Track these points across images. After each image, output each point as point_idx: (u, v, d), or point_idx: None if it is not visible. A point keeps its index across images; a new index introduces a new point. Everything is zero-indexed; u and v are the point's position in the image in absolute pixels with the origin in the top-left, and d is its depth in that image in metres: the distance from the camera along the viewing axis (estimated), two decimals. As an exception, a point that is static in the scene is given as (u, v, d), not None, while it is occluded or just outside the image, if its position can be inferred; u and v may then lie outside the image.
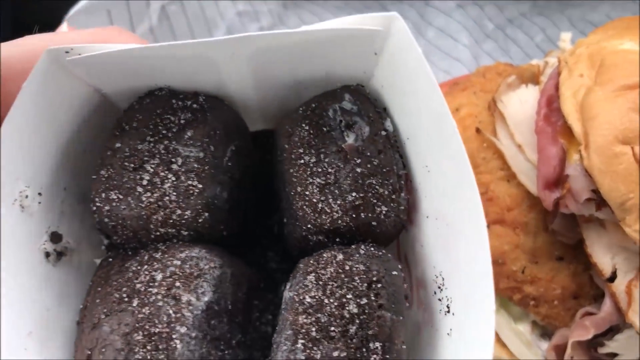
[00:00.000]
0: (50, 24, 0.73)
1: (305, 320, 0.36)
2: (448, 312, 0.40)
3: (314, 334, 0.36)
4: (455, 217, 0.39)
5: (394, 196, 0.41)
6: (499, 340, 0.62)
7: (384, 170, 0.41)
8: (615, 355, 0.58)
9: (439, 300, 0.41)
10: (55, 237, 0.43)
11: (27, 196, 0.40)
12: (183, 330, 0.37)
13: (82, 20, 0.72)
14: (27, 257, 0.40)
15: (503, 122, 0.64)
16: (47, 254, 0.42)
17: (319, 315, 0.36)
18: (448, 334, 0.39)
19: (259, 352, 0.43)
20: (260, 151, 0.49)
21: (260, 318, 0.44)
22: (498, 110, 0.64)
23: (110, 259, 0.42)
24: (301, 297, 0.37)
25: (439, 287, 0.42)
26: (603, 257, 0.57)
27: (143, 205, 0.40)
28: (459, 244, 0.39)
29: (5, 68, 0.39)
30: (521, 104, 0.64)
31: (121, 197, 0.40)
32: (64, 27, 0.57)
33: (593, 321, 0.57)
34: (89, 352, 0.38)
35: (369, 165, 0.41)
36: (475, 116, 0.66)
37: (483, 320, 0.35)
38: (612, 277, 0.57)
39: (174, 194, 0.40)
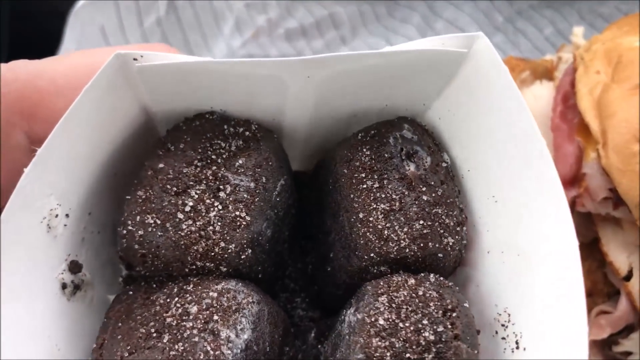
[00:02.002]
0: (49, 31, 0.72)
1: (379, 344, 0.33)
2: (517, 348, 0.36)
3: (388, 358, 0.33)
4: (536, 249, 0.35)
5: (458, 228, 0.39)
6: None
7: (448, 201, 0.39)
8: (629, 353, 0.58)
9: (503, 339, 0.38)
10: (74, 267, 0.38)
11: (56, 215, 0.35)
12: None
13: (89, 13, 0.70)
14: (45, 286, 0.35)
15: (518, 119, 0.63)
16: (64, 286, 0.37)
17: (393, 339, 0.33)
18: None
19: None
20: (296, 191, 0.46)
21: None
22: (512, 106, 0.64)
23: (130, 292, 0.37)
24: (373, 319, 0.34)
25: (503, 325, 0.38)
26: (619, 255, 0.57)
27: (183, 234, 0.35)
28: (533, 273, 0.35)
29: (49, 84, 0.37)
30: (535, 100, 0.64)
31: (159, 222, 0.36)
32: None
33: (609, 320, 0.57)
34: None
35: (434, 195, 0.38)
36: (489, 112, 0.65)
37: (568, 352, 0.32)
38: (628, 276, 0.57)
39: (219, 224, 0.36)
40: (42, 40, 0.70)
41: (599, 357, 0.58)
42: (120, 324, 0.35)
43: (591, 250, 0.61)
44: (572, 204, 0.57)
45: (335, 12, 0.86)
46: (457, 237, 0.38)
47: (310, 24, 0.85)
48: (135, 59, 0.35)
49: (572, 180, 0.57)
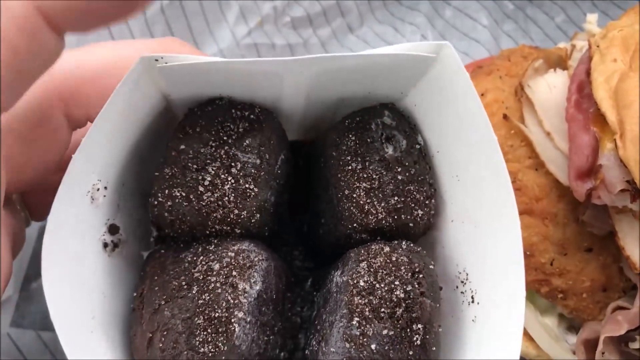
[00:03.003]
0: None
1: (359, 301, 0.41)
2: (472, 302, 0.45)
3: (367, 313, 0.41)
4: (485, 217, 0.44)
5: (427, 201, 0.47)
6: (525, 333, 0.60)
7: (419, 178, 0.47)
8: (645, 349, 0.57)
9: (462, 293, 0.46)
10: (112, 229, 0.46)
11: (98, 189, 0.44)
12: (240, 315, 0.41)
13: None
14: (90, 246, 0.44)
15: (531, 109, 0.62)
16: (105, 245, 0.46)
17: (371, 297, 0.41)
18: (473, 320, 0.44)
19: (290, 340, 0.47)
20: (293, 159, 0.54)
21: (291, 309, 0.48)
22: (526, 95, 0.62)
23: (162, 250, 0.46)
24: (355, 281, 0.42)
25: (462, 282, 0.47)
26: (636, 249, 0.56)
27: (204, 204, 0.44)
28: (487, 241, 0.44)
29: (84, 74, 0.43)
30: (550, 90, 0.62)
31: (184, 194, 0.44)
32: None
33: (626, 317, 0.55)
34: (151, 335, 0.42)
35: (407, 174, 0.47)
36: (502, 102, 0.63)
37: (512, 305, 0.40)
38: (646, 271, 0.56)
39: (233, 195, 0.44)
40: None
41: (615, 354, 0.56)
42: (156, 277, 0.44)
43: (606, 244, 0.59)
44: (588, 197, 0.55)
45: (343, 1, 0.84)
46: (425, 209, 0.47)
47: (317, 12, 0.83)
48: (156, 60, 0.42)
49: (589, 172, 0.55)
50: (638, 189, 0.52)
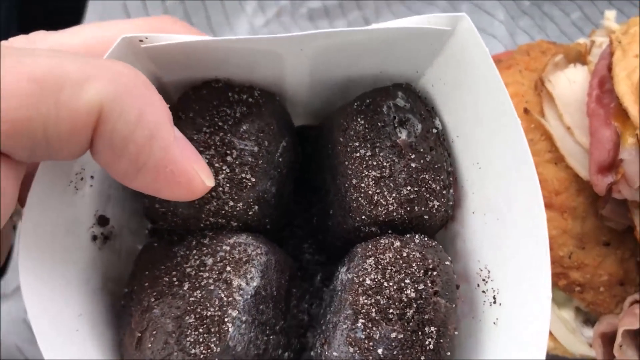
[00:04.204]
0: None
1: (365, 301, 0.38)
2: (494, 302, 0.41)
3: (373, 314, 0.37)
4: (510, 211, 0.40)
5: (444, 191, 0.43)
6: (543, 326, 0.61)
7: (436, 166, 0.43)
8: (661, 343, 0.57)
9: (483, 292, 0.42)
10: (102, 221, 0.43)
11: (82, 178, 0.41)
12: (235, 313, 0.38)
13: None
14: (78, 239, 0.41)
15: (551, 103, 0.62)
16: (94, 237, 0.43)
17: (379, 297, 0.38)
18: (494, 323, 0.40)
19: (296, 339, 0.44)
20: (300, 146, 0.49)
21: (298, 306, 0.45)
22: (546, 90, 0.62)
23: (155, 244, 0.43)
24: (361, 279, 0.39)
25: (484, 280, 0.43)
26: (655, 244, 0.56)
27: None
28: (510, 236, 0.40)
29: None
30: (570, 84, 0.62)
31: None
32: None
33: (644, 309, 0.56)
34: (140, 335, 0.39)
35: (422, 161, 0.42)
36: (522, 96, 0.63)
37: (536, 308, 0.37)
38: (664, 265, 0.56)
39: (228, 185, 0.41)
40: (63, 17, 0.69)
41: (633, 347, 0.57)
42: (147, 272, 0.41)
43: (624, 239, 0.59)
44: (609, 191, 0.55)
45: (359, -7, 0.84)
46: (442, 200, 0.43)
47: (334, 4, 0.83)
48: (140, 41, 0.38)
49: (610, 166, 0.56)
50: (659, 183, 0.53)
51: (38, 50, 0.32)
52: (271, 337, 0.40)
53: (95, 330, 0.41)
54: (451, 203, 0.44)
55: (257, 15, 0.77)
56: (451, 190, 0.44)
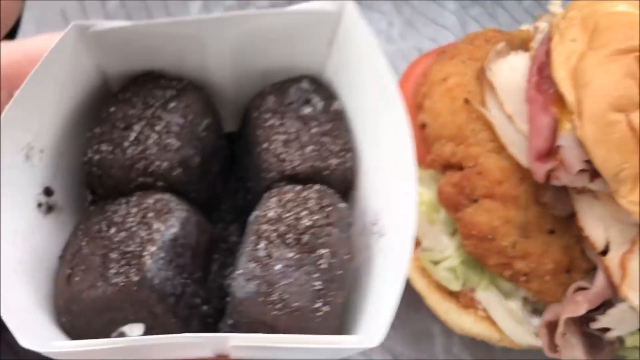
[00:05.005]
0: None
1: (267, 228, 0.45)
2: (381, 237, 0.48)
3: (273, 238, 0.44)
4: (390, 169, 0.47)
5: (342, 153, 0.51)
6: (489, 318, 0.60)
7: (334, 133, 0.51)
8: (608, 330, 0.57)
9: (374, 233, 0.49)
10: (48, 192, 0.49)
11: (32, 148, 0.46)
12: (153, 249, 0.43)
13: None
14: (24, 201, 0.46)
15: (492, 92, 0.61)
16: (40, 204, 0.48)
17: (279, 225, 0.45)
18: (379, 251, 0.48)
19: (217, 300, 0.48)
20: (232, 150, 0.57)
21: (219, 272, 0.50)
22: (487, 79, 0.61)
23: (92, 208, 0.49)
24: (264, 213, 0.46)
25: (374, 224, 0.49)
26: (595, 229, 0.56)
27: (127, 156, 0.48)
28: (392, 187, 0.47)
29: (24, 58, 0.47)
30: (511, 72, 0.62)
31: (110, 149, 0.48)
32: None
33: (586, 297, 0.55)
34: (70, 271, 0.44)
35: (323, 128, 0.51)
36: (464, 86, 0.63)
37: (404, 233, 0.43)
38: (605, 250, 0.55)
39: (155, 148, 0.48)
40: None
41: (577, 335, 0.56)
42: (81, 226, 0.48)
43: (569, 226, 0.59)
44: (548, 178, 0.55)
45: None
46: (340, 159, 0.50)
47: (283, 3, 0.82)
48: (88, 28, 0.45)
49: (548, 153, 0.55)
50: (596, 169, 0.52)
51: None
52: (189, 281, 0.46)
53: (33, 277, 0.45)
54: (348, 164, 0.51)
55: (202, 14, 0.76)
56: (349, 154, 0.51)
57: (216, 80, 0.53)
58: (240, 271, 0.44)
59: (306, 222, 0.45)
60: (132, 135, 0.48)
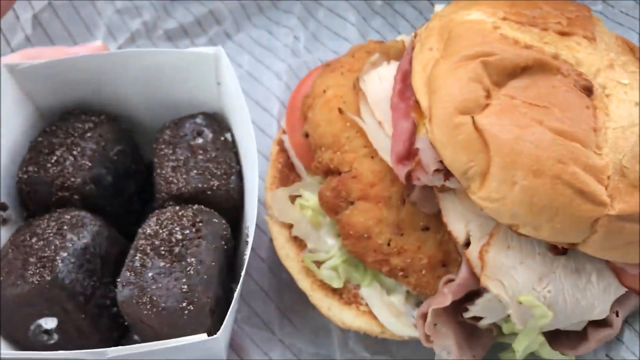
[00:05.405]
0: None
1: (143, 242, 0.56)
2: (247, 237, 0.59)
3: (148, 251, 0.55)
4: (250, 187, 0.61)
5: (225, 176, 0.62)
6: (370, 312, 0.64)
7: (219, 160, 0.63)
8: (480, 318, 0.60)
9: (247, 241, 0.59)
10: (3, 207, 0.62)
11: None
12: (64, 254, 0.55)
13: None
14: None
15: (365, 100, 0.65)
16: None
17: (154, 240, 0.56)
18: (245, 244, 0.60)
19: None
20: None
21: None
22: (360, 89, 0.65)
23: (22, 224, 0.62)
24: (144, 230, 0.57)
25: (246, 232, 0.60)
26: (457, 224, 0.59)
27: (49, 175, 0.61)
28: (250, 205, 0.60)
29: None
30: (380, 81, 0.66)
31: (36, 169, 0.61)
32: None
33: (450, 288, 0.59)
34: None
35: (208, 156, 0.63)
36: (341, 97, 0.67)
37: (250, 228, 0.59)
38: (468, 243, 0.59)
39: (71, 167, 0.61)
40: None
41: (450, 325, 0.60)
42: (11, 238, 0.59)
43: (442, 222, 0.62)
44: (408, 178, 0.59)
45: (216, 9, 0.87)
46: (223, 181, 0.62)
47: (191, 22, 0.86)
48: (18, 65, 0.59)
49: (407, 155, 0.59)
50: (448, 168, 0.56)
51: None
52: (98, 283, 0.57)
53: None
54: (232, 186, 0.63)
55: (108, 41, 0.80)
56: (233, 177, 0.63)
57: (132, 112, 0.67)
58: (118, 280, 0.55)
59: (178, 236, 0.56)
60: (54, 159, 0.61)
